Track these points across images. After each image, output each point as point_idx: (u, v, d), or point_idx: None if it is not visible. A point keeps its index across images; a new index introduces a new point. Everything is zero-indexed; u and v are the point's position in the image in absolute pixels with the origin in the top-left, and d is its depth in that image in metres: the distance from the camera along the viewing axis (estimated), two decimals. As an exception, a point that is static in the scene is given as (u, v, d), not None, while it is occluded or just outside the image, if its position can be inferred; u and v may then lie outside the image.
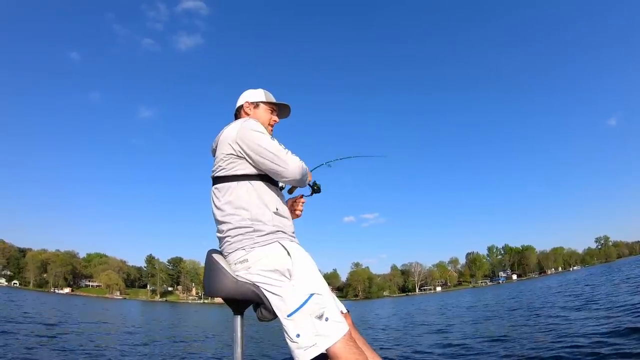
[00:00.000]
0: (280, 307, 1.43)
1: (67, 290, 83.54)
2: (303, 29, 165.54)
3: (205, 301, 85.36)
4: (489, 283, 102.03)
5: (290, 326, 1.39)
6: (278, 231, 1.57)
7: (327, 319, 1.39)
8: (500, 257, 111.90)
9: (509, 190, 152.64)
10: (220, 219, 1.60)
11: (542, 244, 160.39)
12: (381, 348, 7.10)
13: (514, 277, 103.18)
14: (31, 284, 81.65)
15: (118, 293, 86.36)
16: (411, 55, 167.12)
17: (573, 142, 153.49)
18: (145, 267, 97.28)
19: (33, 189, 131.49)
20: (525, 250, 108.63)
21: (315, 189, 1.92)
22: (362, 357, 1.37)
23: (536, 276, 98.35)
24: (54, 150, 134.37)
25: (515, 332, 7.24)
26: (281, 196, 1.73)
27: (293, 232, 1.69)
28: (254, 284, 1.49)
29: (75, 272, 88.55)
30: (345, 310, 1.61)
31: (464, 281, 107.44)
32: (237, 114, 1.89)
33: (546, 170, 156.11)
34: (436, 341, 7.58)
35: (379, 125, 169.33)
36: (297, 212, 1.89)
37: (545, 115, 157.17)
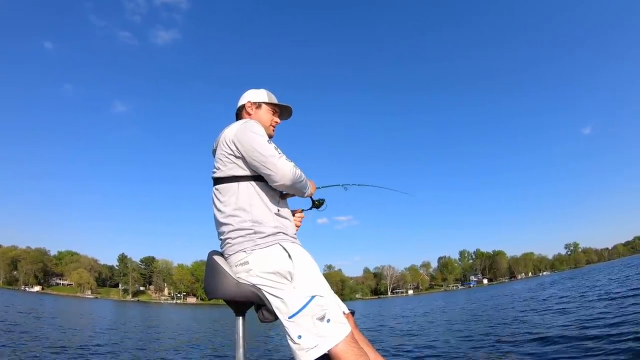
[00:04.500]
0: (281, 309, 1.43)
1: (37, 288, 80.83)
2: (284, 24, 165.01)
3: (178, 301, 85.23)
4: (460, 287, 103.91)
5: (292, 328, 1.39)
6: (279, 233, 1.56)
7: (328, 321, 1.39)
8: (471, 261, 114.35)
9: (481, 195, 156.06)
10: (221, 220, 1.59)
11: (513, 249, 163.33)
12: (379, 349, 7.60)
13: (485, 281, 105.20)
14: (0, 282, 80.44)
15: (89, 292, 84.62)
16: (381, 54, 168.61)
17: (547, 148, 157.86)
18: (117, 266, 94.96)
19: (2, 184, 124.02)
20: (497, 255, 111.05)
21: (317, 204, 1.86)
22: (364, 357, 1.37)
23: (506, 281, 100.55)
24: (24, 144, 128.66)
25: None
26: (283, 197, 1.71)
27: (295, 233, 1.69)
28: (255, 286, 1.49)
29: (46, 270, 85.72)
30: (347, 311, 1.61)
31: (435, 285, 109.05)
32: (239, 113, 1.87)
33: (519, 175, 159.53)
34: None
35: (349, 125, 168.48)
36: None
37: (520, 118, 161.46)
